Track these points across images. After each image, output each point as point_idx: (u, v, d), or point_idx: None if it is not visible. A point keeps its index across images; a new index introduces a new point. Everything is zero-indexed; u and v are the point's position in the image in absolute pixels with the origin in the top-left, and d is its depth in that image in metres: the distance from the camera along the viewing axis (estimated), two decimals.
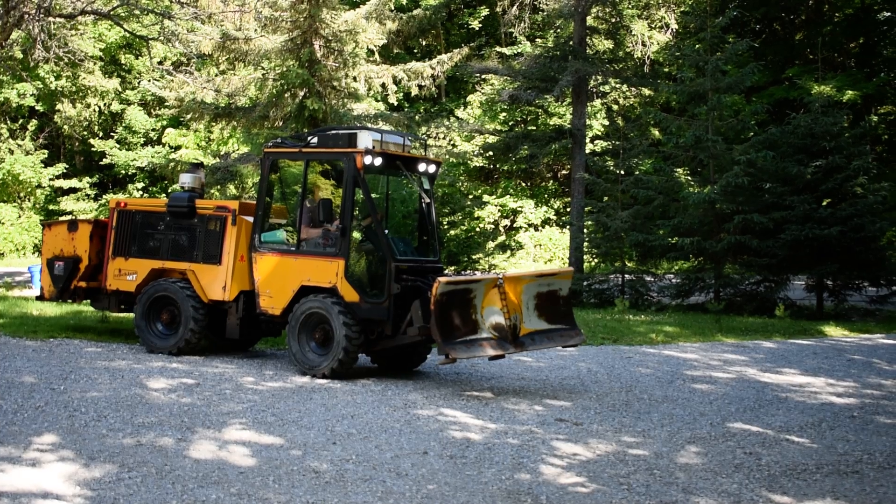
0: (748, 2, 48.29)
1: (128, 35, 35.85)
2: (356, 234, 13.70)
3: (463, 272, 26.66)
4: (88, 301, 16.32)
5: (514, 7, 34.69)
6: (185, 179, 15.55)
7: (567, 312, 12.98)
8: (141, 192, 46.69)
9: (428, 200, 14.21)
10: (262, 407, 10.75)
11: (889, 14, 48.59)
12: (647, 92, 36.55)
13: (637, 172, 29.95)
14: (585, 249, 29.43)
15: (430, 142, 34.54)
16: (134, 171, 46.77)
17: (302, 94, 25.27)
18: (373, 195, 13.65)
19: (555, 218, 47.53)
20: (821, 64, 31.14)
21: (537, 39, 45.19)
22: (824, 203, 25.09)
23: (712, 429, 10.52)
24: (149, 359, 14.02)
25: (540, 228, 47.69)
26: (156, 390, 11.46)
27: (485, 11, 48.97)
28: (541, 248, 46.44)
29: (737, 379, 14.33)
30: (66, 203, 46.53)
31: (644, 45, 35.82)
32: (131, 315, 15.55)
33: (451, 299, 11.91)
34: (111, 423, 9.59)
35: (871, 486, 8.36)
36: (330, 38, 25.45)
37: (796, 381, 14.29)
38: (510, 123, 45.40)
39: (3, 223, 45.71)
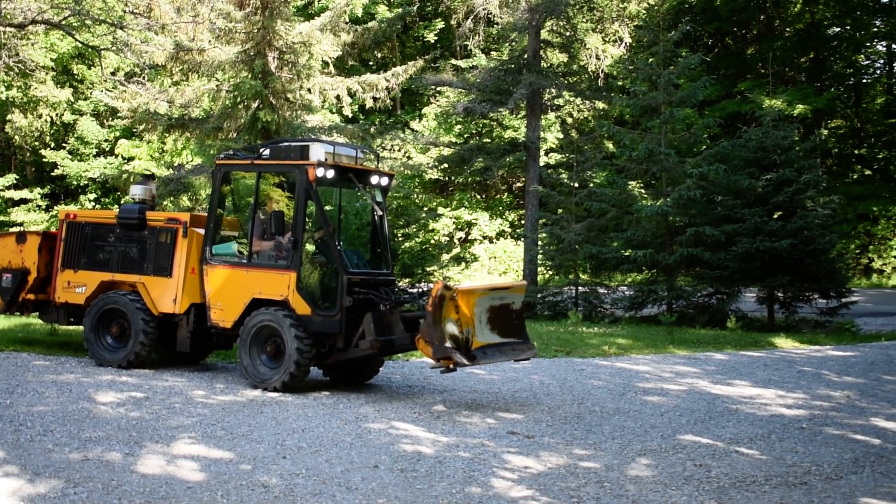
0: (701, 17, 48.90)
1: (80, 45, 35.52)
2: (308, 247, 13.65)
3: (417, 284, 26.61)
4: (37, 314, 16.10)
5: (469, 20, 34.76)
6: (136, 191, 15.42)
7: (520, 326, 12.93)
8: (93, 204, 46.18)
9: (381, 213, 14.20)
10: (212, 421, 10.66)
11: (839, 30, 49.33)
12: (600, 105, 36.72)
13: (591, 185, 30.11)
14: (539, 262, 29.52)
15: (385, 154, 34.50)
16: (86, 182, 46.28)
17: (255, 105, 25.13)
18: (325, 208, 13.61)
19: (509, 230, 47.66)
20: (772, 78, 31.44)
21: (492, 52, 45.37)
22: (775, 216, 25.31)
23: (663, 441, 10.56)
24: (98, 372, 13.86)
25: (494, 241, 47.79)
26: (104, 404, 11.33)
27: (440, 24, 49.09)
28: (495, 260, 46.53)
29: (688, 391, 14.41)
30: (17, 214, 45.93)
31: (598, 58, 35.99)
32: (80, 328, 15.37)
33: (439, 303, 11.85)
34: (57, 438, 9.47)
35: (819, 497, 8.43)
36: (284, 49, 25.34)
37: (747, 392, 14.39)
38: (465, 136, 45.49)
39: None
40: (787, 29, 49.88)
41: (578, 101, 36.86)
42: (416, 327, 13.09)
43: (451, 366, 11.79)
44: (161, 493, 7.76)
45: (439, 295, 11.70)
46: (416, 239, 28.37)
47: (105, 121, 47.76)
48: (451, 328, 11.93)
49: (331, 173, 13.03)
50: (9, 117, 46.29)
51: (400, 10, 35.97)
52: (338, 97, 27.46)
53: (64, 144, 47.98)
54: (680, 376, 16.03)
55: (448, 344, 11.76)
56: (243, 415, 11.13)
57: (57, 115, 47.00)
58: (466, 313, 12.16)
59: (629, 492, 8.41)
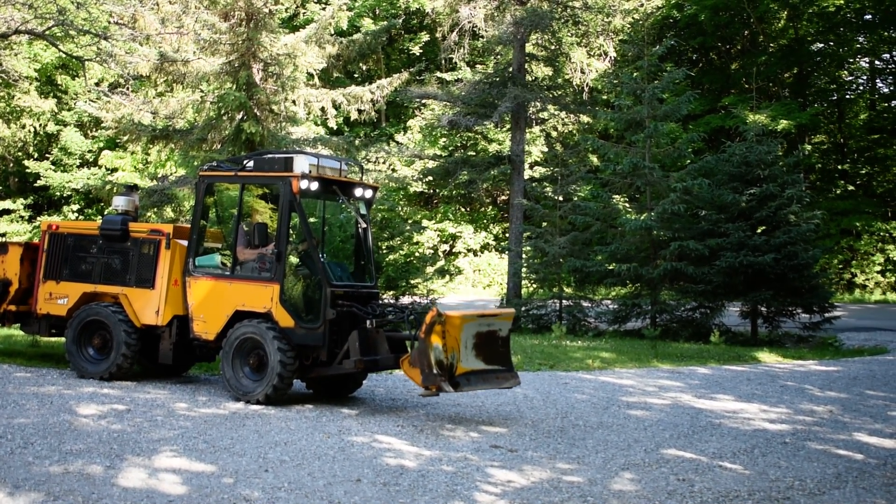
0: (685, 31, 49.05)
1: (64, 56, 35.43)
2: (292, 259, 13.60)
3: (401, 297, 26.60)
4: (18, 325, 16.01)
5: (454, 33, 34.79)
6: (119, 202, 15.35)
7: (505, 354, 12.73)
8: (76, 215, 46.08)
9: (364, 225, 14.17)
10: (194, 433, 10.60)
11: (822, 46, 49.58)
12: (585, 119, 36.82)
13: (575, 199, 30.16)
14: (524, 275, 29.52)
15: (370, 166, 34.49)
16: (69, 193, 46.17)
17: (239, 117, 25.09)
18: (309, 220, 13.57)
19: (494, 243, 47.70)
20: (756, 93, 31.65)
21: (477, 65, 45.43)
22: (759, 231, 25.39)
23: (646, 455, 10.54)
24: (79, 384, 13.77)
25: (479, 254, 47.83)
26: (85, 417, 11.25)
27: (425, 37, 49.20)
28: (480, 273, 46.55)
29: (672, 405, 14.41)
30: (0, 224, 45.80)
31: (583, 72, 36.06)
32: (62, 339, 15.28)
33: (431, 330, 11.77)
34: (38, 451, 9.40)
35: None
36: (269, 61, 25.33)
37: (730, 407, 14.39)
38: (450, 149, 45.55)
39: None
40: (771, 44, 50.09)
41: (563, 114, 36.92)
42: (401, 348, 13.08)
43: (436, 391, 11.75)
44: None
45: (432, 322, 11.66)
46: (401, 251, 28.33)
47: (89, 131, 47.66)
48: (437, 353, 11.83)
49: (315, 185, 12.99)
50: None
51: (385, 22, 36.04)
52: (322, 109, 27.45)
53: (47, 155, 47.88)
54: (663, 390, 16.02)
55: (436, 371, 11.70)
56: (226, 427, 11.07)
57: (40, 125, 46.89)
58: (453, 338, 12.04)
59: None
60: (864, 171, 49.56)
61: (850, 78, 52.13)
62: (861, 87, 52.45)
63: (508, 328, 12.87)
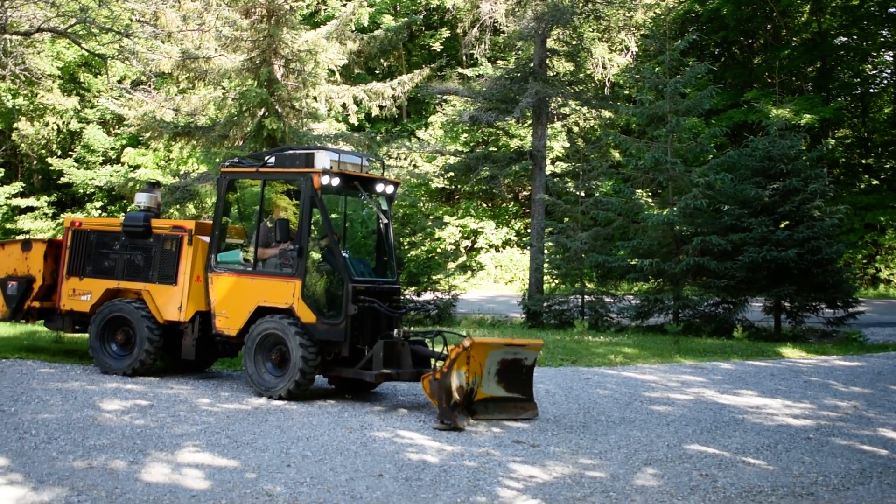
0: (707, 26, 48.83)
1: (86, 53, 35.55)
2: (313, 255, 13.62)
3: (423, 292, 26.63)
4: (42, 321, 16.10)
5: (475, 29, 34.74)
6: (142, 199, 15.40)
7: (527, 382, 12.61)
8: (99, 212, 46.23)
9: (386, 221, 14.17)
10: (217, 429, 10.63)
11: (845, 39, 49.26)
12: (607, 114, 36.64)
13: (597, 194, 30.08)
14: (545, 270, 29.46)
15: (392, 162, 34.47)
16: (92, 190, 46.33)
17: (261, 113, 25.12)
18: (331, 215, 13.59)
19: (515, 239, 47.65)
20: (778, 88, 31.47)
21: (498, 61, 45.32)
22: (782, 225, 25.25)
23: (669, 451, 10.51)
24: (103, 380, 13.83)
25: (501, 249, 47.79)
26: (109, 412, 11.30)
27: (446, 33, 49.15)
28: (501, 269, 46.52)
29: (694, 400, 14.36)
30: (24, 222, 45.95)
31: (604, 67, 35.96)
32: (86, 336, 15.35)
33: (453, 364, 11.71)
34: (62, 446, 9.44)
35: None
36: (290, 57, 25.34)
37: (753, 402, 14.33)
38: (471, 144, 45.49)
39: None
40: (794, 38, 49.81)
41: (585, 109, 36.79)
42: (425, 363, 13.05)
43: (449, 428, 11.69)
44: (165, 502, 7.74)
45: (456, 357, 11.63)
46: (422, 247, 28.35)
47: (111, 129, 47.82)
48: (459, 379, 11.75)
49: (336, 181, 13.01)
50: (15, 125, 46.33)
51: (406, 18, 36.00)
52: (344, 105, 27.47)
53: (70, 152, 48.04)
54: (686, 386, 15.97)
55: (456, 397, 11.65)
56: (248, 423, 11.09)
57: (63, 123, 47.03)
58: (477, 363, 11.96)
59: (635, 502, 8.37)
60: (888, 166, 49.23)
61: (874, 72, 51.73)
62: (885, 81, 52.07)
63: (535, 357, 12.76)
